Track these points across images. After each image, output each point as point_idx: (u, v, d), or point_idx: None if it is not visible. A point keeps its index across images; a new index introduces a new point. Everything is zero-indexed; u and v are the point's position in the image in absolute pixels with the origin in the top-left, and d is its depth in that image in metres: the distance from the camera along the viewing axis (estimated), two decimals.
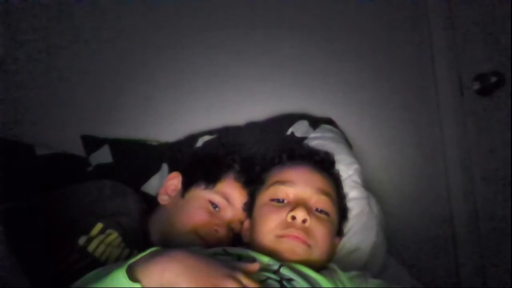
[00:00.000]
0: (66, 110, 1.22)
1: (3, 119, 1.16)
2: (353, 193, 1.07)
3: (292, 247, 0.83)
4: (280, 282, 0.74)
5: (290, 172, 0.93)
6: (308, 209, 0.85)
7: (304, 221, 0.84)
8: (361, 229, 1.04)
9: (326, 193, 0.91)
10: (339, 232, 0.97)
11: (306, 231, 0.84)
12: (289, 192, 0.89)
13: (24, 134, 1.17)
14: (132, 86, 1.24)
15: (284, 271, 0.77)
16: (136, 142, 1.22)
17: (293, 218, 0.84)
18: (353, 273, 0.84)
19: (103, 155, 1.17)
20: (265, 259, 0.79)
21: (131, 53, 1.24)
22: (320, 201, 0.89)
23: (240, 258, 0.80)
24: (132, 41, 1.24)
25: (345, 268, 0.86)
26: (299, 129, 1.20)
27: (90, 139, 1.20)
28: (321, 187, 0.91)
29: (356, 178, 1.09)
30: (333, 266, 0.86)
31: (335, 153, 1.08)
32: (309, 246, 0.84)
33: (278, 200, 0.89)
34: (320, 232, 0.85)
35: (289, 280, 0.75)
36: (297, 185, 0.90)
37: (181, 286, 0.61)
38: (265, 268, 0.76)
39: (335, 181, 0.99)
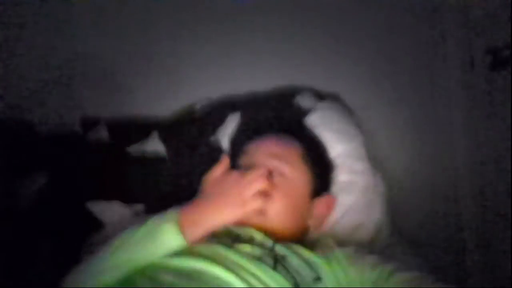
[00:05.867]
0: (64, 90, 1.23)
1: (3, 101, 1.17)
2: (358, 165, 1.06)
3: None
4: (274, 258, 0.74)
5: (248, 146, 0.94)
6: None
7: None
8: (366, 205, 1.04)
9: (278, 157, 0.88)
10: (319, 191, 0.93)
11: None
12: (241, 162, 0.90)
13: (24, 116, 1.19)
14: (131, 59, 1.25)
15: (278, 248, 0.77)
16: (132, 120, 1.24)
17: None
18: (350, 249, 0.83)
19: (101, 133, 1.19)
20: (259, 236, 0.79)
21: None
22: (273, 165, 0.87)
23: (237, 236, 0.79)
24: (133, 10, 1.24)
25: (349, 245, 0.85)
26: (304, 100, 1.19)
27: (87, 119, 1.22)
28: (273, 151, 0.89)
29: (361, 149, 1.09)
30: (330, 242, 0.84)
31: (339, 123, 1.09)
32: (261, 213, 0.82)
33: None
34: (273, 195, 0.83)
35: (283, 256, 0.76)
36: (249, 154, 0.91)
37: (227, 218, 0.75)
38: (259, 245, 0.77)
39: (306, 144, 0.96)
